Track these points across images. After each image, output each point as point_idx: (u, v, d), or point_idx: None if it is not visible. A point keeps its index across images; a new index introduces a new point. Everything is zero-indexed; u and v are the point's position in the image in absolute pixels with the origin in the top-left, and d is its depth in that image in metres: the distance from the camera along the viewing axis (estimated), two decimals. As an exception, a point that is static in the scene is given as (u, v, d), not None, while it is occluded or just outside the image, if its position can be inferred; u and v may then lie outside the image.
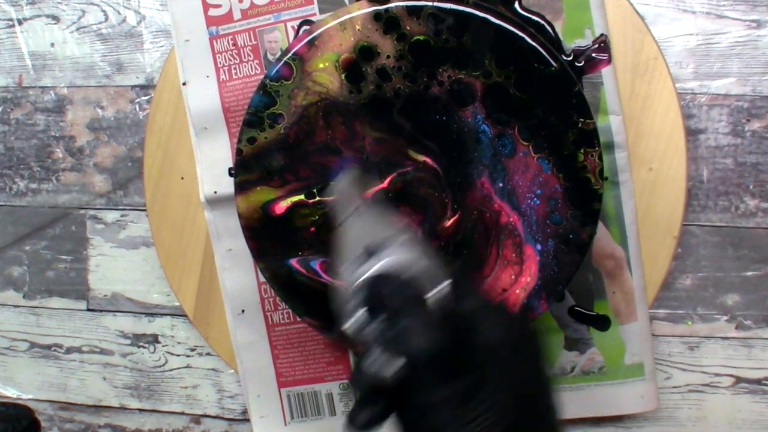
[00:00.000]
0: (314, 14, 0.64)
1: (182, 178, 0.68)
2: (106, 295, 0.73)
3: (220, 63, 0.65)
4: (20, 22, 0.72)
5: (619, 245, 0.63)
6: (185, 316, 0.70)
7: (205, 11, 0.65)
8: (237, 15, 0.65)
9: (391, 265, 0.44)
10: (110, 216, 0.72)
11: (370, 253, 0.44)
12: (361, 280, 0.44)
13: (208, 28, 0.65)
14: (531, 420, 0.40)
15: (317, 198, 0.57)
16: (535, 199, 0.55)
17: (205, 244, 0.68)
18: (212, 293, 0.68)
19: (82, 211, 0.73)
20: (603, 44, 0.60)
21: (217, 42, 0.65)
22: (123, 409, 0.75)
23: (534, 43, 0.54)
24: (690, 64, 0.64)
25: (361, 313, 0.43)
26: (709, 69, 0.63)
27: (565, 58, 0.60)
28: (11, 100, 0.73)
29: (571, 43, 0.61)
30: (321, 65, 0.56)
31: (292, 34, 0.64)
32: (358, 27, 0.55)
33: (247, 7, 0.64)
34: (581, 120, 0.54)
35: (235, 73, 0.65)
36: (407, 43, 0.55)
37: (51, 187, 0.73)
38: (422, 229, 0.57)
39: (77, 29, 0.71)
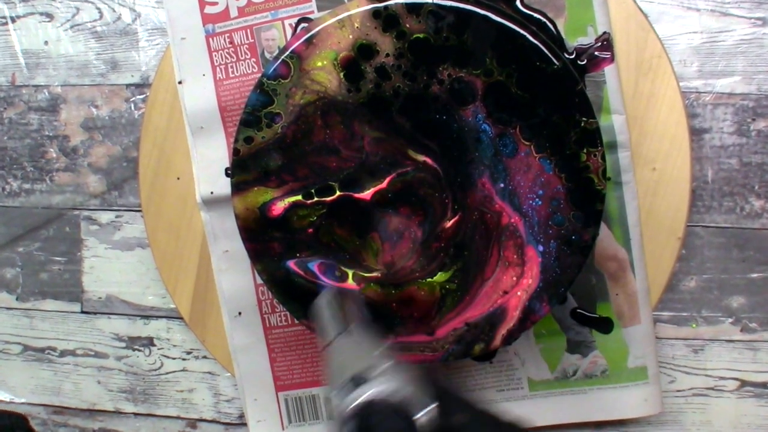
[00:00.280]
0: (312, 12, 0.64)
1: (178, 179, 0.68)
2: (100, 297, 0.73)
3: (216, 61, 0.65)
4: (13, 20, 0.72)
5: (622, 246, 0.63)
6: (181, 318, 0.70)
7: (201, 9, 0.65)
8: (234, 12, 0.64)
9: (377, 394, 0.45)
10: (105, 217, 0.72)
11: (357, 382, 0.46)
12: (349, 409, 0.45)
13: (204, 26, 0.65)
14: None
15: (315, 199, 0.57)
16: (537, 199, 0.55)
17: (202, 245, 0.68)
18: (208, 295, 0.68)
19: (77, 212, 0.73)
20: (606, 42, 0.60)
21: (213, 40, 0.65)
22: (118, 413, 0.74)
23: (536, 41, 0.54)
24: (694, 62, 0.64)
25: None
26: (714, 67, 0.63)
27: (567, 56, 0.60)
28: (4, 99, 0.73)
29: (573, 41, 0.61)
30: (319, 63, 0.56)
31: (289, 31, 0.64)
32: (356, 25, 0.55)
33: (243, 5, 0.64)
34: (584, 119, 0.54)
35: (232, 72, 0.65)
36: (407, 41, 0.55)
37: (45, 187, 0.73)
38: (422, 230, 0.57)
39: (71, 27, 0.71)
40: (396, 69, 0.55)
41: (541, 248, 0.55)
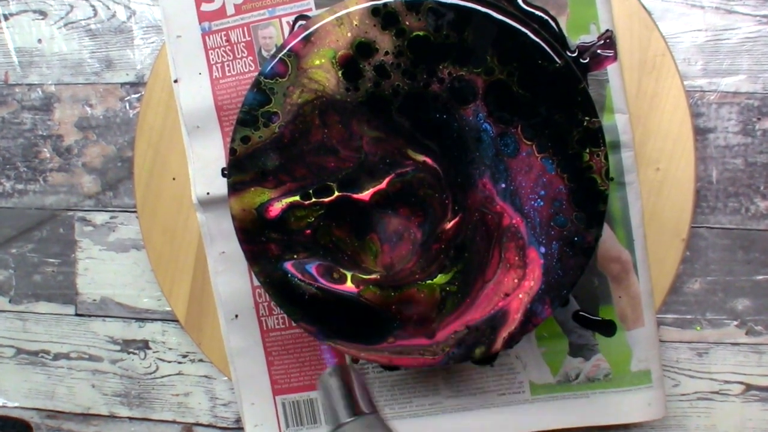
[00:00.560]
0: (310, 9, 0.64)
1: (174, 179, 0.68)
2: (94, 300, 0.73)
3: (212, 60, 0.65)
4: (6, 18, 0.72)
5: (626, 248, 0.62)
6: (177, 321, 0.70)
7: (198, 6, 0.65)
8: (230, 10, 0.64)
9: None
10: (99, 218, 0.72)
11: None
12: None
13: (200, 24, 0.65)
14: None
15: (313, 199, 0.57)
16: (539, 200, 0.55)
17: (198, 246, 0.68)
18: (205, 298, 0.68)
19: (70, 213, 0.73)
20: (609, 40, 0.60)
21: (209, 38, 0.65)
22: (112, 417, 0.74)
23: (537, 39, 0.54)
24: (699, 60, 0.63)
25: None
26: (719, 66, 0.63)
27: (569, 54, 0.60)
28: (-3, 97, 0.73)
29: (575, 39, 0.60)
30: (317, 62, 0.56)
31: (287, 29, 0.64)
32: (355, 22, 0.55)
33: (240, 2, 0.64)
34: (586, 118, 0.54)
35: (229, 70, 0.65)
36: (406, 39, 0.55)
37: (38, 188, 0.73)
38: (422, 231, 0.57)
39: (65, 25, 0.71)
40: (395, 67, 0.55)
41: (543, 250, 0.55)
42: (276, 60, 0.56)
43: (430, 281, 0.56)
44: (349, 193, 0.57)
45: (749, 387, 0.66)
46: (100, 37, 0.71)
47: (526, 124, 0.54)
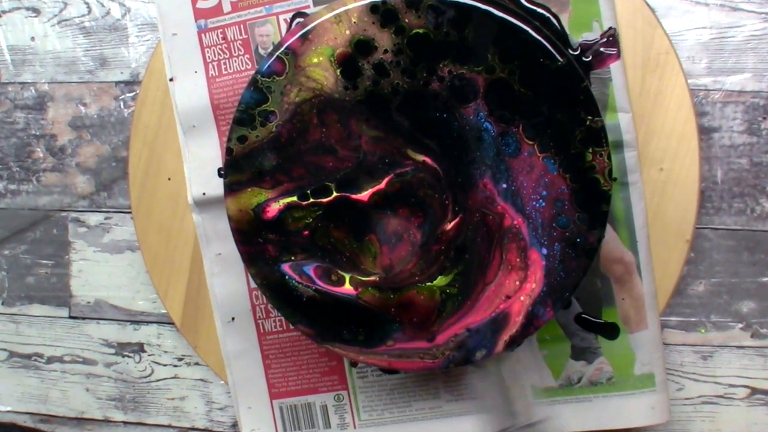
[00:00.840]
0: (308, 6, 0.63)
1: (169, 179, 0.67)
2: (89, 302, 0.73)
3: (208, 58, 0.65)
4: (-1, 15, 0.72)
5: (629, 249, 0.62)
6: (172, 323, 0.70)
7: (193, 3, 0.65)
8: (227, 7, 0.64)
9: None
10: (93, 219, 0.72)
11: None
12: None
13: (196, 21, 0.65)
14: None
15: (311, 200, 0.57)
16: (541, 200, 0.55)
17: (193, 248, 0.68)
18: (201, 300, 0.68)
19: (64, 214, 0.73)
20: (612, 38, 0.60)
21: (205, 36, 0.65)
22: (107, 421, 0.74)
23: (539, 37, 0.54)
24: (703, 59, 0.63)
25: None
26: (724, 64, 0.63)
27: (571, 52, 0.60)
28: (-11, 96, 0.73)
29: (578, 37, 0.60)
30: (315, 60, 0.56)
31: (284, 27, 0.64)
32: (354, 20, 0.55)
33: (237, -1, 0.64)
34: (589, 117, 0.54)
35: (225, 69, 0.65)
36: (406, 37, 0.55)
37: (31, 188, 0.73)
38: (422, 232, 0.57)
39: (59, 22, 0.71)
40: (395, 66, 0.55)
41: (544, 251, 0.55)
42: (273, 58, 0.56)
43: (430, 283, 0.56)
44: (347, 194, 0.57)
45: (754, 391, 0.66)
46: (95, 35, 0.70)
47: (528, 123, 0.54)
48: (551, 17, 0.60)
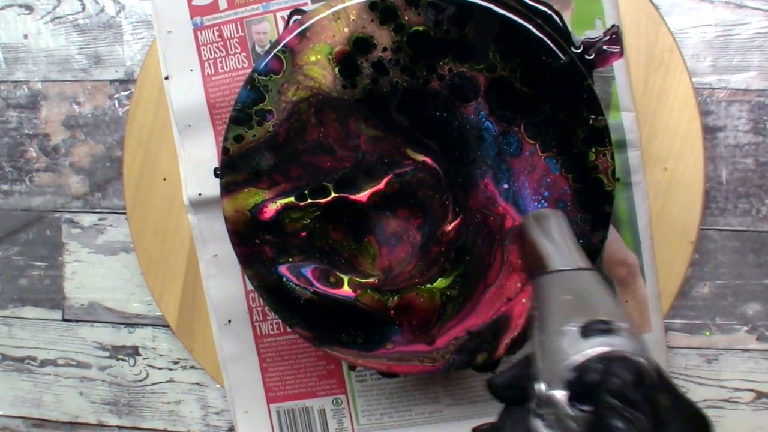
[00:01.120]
0: (306, 3, 0.63)
1: (164, 179, 0.67)
2: (82, 304, 0.73)
3: (204, 56, 0.65)
4: (-9, 12, 0.72)
5: (632, 251, 0.62)
6: (167, 326, 0.70)
7: (189, 1, 0.65)
8: (223, 5, 0.64)
9: (626, 349, 0.40)
10: (87, 219, 0.72)
11: (605, 329, 0.41)
12: (574, 359, 0.40)
13: (192, 19, 0.65)
14: None
15: (309, 200, 0.57)
16: (543, 201, 0.55)
17: (189, 249, 0.68)
18: (196, 302, 0.68)
19: (58, 215, 0.72)
20: (615, 36, 0.60)
21: (201, 33, 0.65)
22: (101, 426, 0.74)
23: (541, 35, 0.54)
24: (708, 57, 0.63)
25: (562, 392, 0.40)
26: (729, 62, 0.63)
27: (574, 50, 0.59)
28: (-19, 95, 0.73)
29: (580, 35, 0.60)
30: (313, 58, 0.55)
31: (281, 24, 0.64)
32: (352, 17, 0.55)
33: (233, -4, 0.64)
34: (592, 117, 0.54)
35: (221, 67, 0.65)
36: (405, 35, 0.55)
37: (24, 188, 0.73)
38: (421, 233, 0.57)
39: (52, 20, 0.71)
40: (394, 64, 0.55)
41: (546, 253, 0.55)
42: (270, 56, 0.56)
43: (429, 285, 0.56)
44: (346, 194, 0.57)
45: (760, 395, 0.66)
46: (89, 33, 0.70)
47: (530, 122, 0.54)
48: (553, 14, 0.60)
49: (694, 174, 0.62)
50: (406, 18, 0.54)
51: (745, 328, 0.65)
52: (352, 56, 0.55)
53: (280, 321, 0.66)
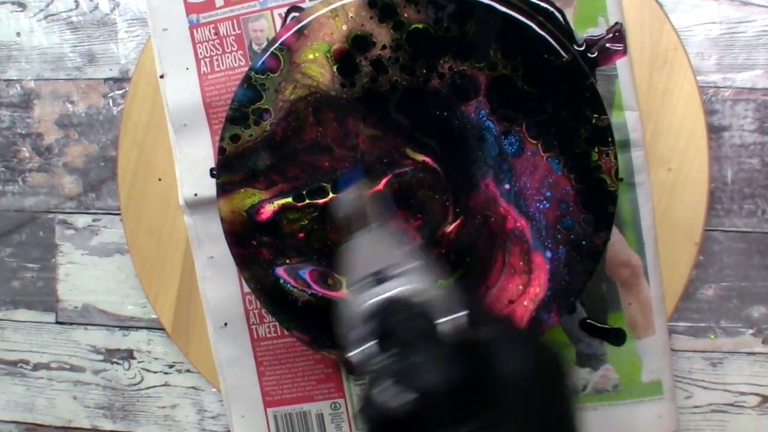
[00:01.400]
0: (303, 0, 0.63)
1: (160, 180, 0.67)
2: (76, 307, 0.73)
3: (200, 54, 0.65)
4: (-17, 10, 0.72)
5: (636, 252, 0.62)
6: (163, 329, 0.70)
7: (185, -2, 0.65)
8: (219, 2, 0.64)
9: (402, 292, 0.44)
10: (81, 220, 0.72)
11: (381, 278, 0.45)
12: (367, 305, 0.44)
13: (187, 16, 0.65)
14: None
15: (307, 201, 0.57)
16: (545, 202, 0.55)
17: (185, 251, 0.67)
18: (192, 305, 0.68)
19: (51, 216, 0.72)
20: (618, 33, 0.60)
21: (197, 31, 0.65)
22: (95, 430, 0.74)
23: (543, 33, 0.54)
24: (713, 55, 0.63)
25: (370, 345, 0.43)
26: (734, 60, 0.63)
27: (576, 48, 0.59)
28: (-27, 94, 0.73)
29: (583, 33, 0.60)
30: (311, 56, 0.55)
31: (279, 22, 0.64)
32: (351, 14, 0.55)
33: (230, -7, 0.64)
34: (595, 116, 0.54)
35: (218, 65, 0.65)
36: (405, 32, 0.55)
37: (17, 189, 0.73)
38: (421, 234, 0.57)
39: (45, 17, 0.71)
40: (393, 62, 0.55)
41: (549, 254, 0.55)
42: (267, 54, 0.56)
43: (429, 287, 0.56)
44: (344, 195, 0.57)
45: (766, 399, 0.66)
46: (82, 30, 0.70)
47: (531, 121, 0.54)
48: (555, 12, 0.60)
49: (698, 174, 0.62)
50: (406, 15, 0.54)
51: (751, 331, 0.65)
52: (350, 54, 0.55)
53: (277, 324, 0.66)
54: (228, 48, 0.64)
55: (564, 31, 0.59)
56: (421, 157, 0.56)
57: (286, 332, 0.65)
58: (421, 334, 0.42)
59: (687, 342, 0.66)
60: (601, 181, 0.54)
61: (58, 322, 0.73)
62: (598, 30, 0.60)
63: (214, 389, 0.70)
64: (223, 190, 0.57)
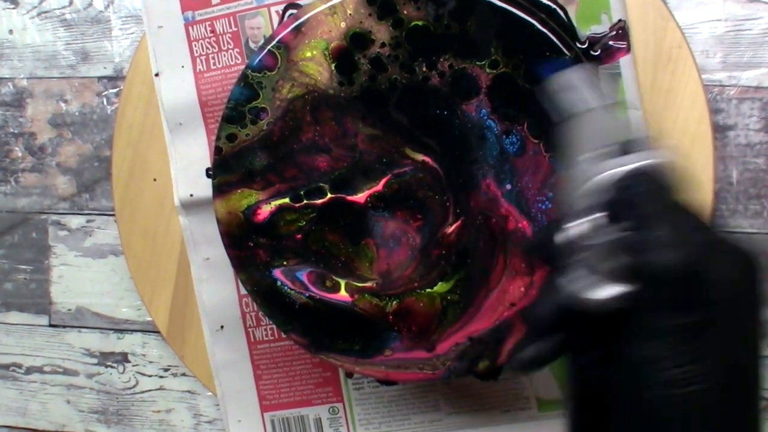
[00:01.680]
0: (301, -3, 0.63)
1: (155, 180, 0.67)
2: (70, 309, 0.73)
3: (196, 52, 0.65)
4: (-25, 7, 0.72)
5: (640, 254, 0.62)
6: (158, 332, 0.69)
7: (180, -6, 0.65)
8: (215, -2, 0.64)
9: (654, 165, 0.40)
10: (75, 221, 0.72)
11: (626, 149, 0.41)
12: (608, 174, 0.40)
13: (183, 13, 0.65)
14: (743, 384, 0.39)
15: (304, 201, 0.57)
16: (547, 202, 0.55)
17: (180, 252, 0.67)
18: (188, 307, 0.68)
19: (44, 216, 0.72)
20: (621, 31, 0.60)
21: (193, 28, 0.65)
22: (89, 435, 0.74)
23: (545, 30, 0.54)
24: (718, 53, 0.63)
25: (599, 216, 0.40)
26: (739, 58, 0.63)
27: (579, 46, 0.59)
28: (-35, 92, 0.73)
29: (586, 30, 0.60)
30: (308, 54, 0.55)
31: (276, 19, 0.64)
32: (349, 11, 0.55)
33: (226, -10, 0.64)
34: (598, 115, 0.54)
35: (214, 63, 0.65)
36: (404, 30, 0.55)
37: (9, 189, 0.73)
38: (421, 235, 0.57)
39: (38, 14, 0.71)
40: (392, 60, 0.55)
41: (551, 256, 0.55)
42: (264, 52, 0.56)
43: (429, 290, 0.56)
44: (342, 195, 0.56)
45: (772, 403, 0.65)
46: (76, 28, 0.70)
47: (533, 120, 0.54)
48: (558, 9, 0.60)
49: (703, 174, 0.62)
50: (405, 12, 0.54)
51: (757, 334, 0.65)
52: (349, 52, 0.55)
53: (274, 327, 0.66)
54: (224, 46, 0.64)
55: (566, 29, 0.59)
56: (420, 157, 0.56)
57: (283, 335, 0.65)
58: (671, 207, 0.39)
59: (692, 345, 0.66)
60: (605, 181, 0.54)
61: (51, 325, 0.73)
62: (601, 27, 0.60)
63: (210, 393, 0.70)
64: (219, 190, 0.57)
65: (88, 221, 0.71)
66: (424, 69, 0.55)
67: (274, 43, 0.56)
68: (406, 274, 0.57)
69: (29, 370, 0.74)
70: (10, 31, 0.71)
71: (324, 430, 0.68)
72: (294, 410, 0.68)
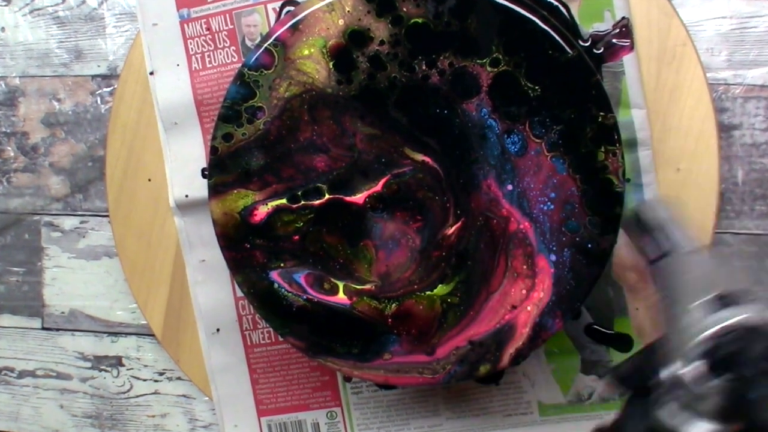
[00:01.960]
0: (298, -6, 0.63)
1: (149, 180, 0.67)
2: (63, 312, 0.73)
3: (192, 50, 0.65)
4: (-34, 4, 0.72)
5: (643, 255, 0.62)
6: (153, 335, 0.69)
7: (176, -9, 0.65)
8: (211, -5, 0.64)
9: (756, 321, 0.43)
10: (68, 222, 0.72)
11: (725, 302, 0.44)
12: (712, 329, 0.43)
13: (178, 11, 0.65)
14: None
15: (302, 202, 0.56)
16: (549, 203, 0.55)
17: (175, 254, 0.67)
18: (183, 310, 0.68)
19: (37, 217, 0.72)
20: (624, 28, 0.60)
21: (188, 26, 0.65)
22: (82, 440, 0.74)
23: (547, 27, 0.54)
24: (723, 51, 0.63)
25: (699, 364, 0.42)
26: (745, 56, 0.63)
27: (582, 44, 0.59)
28: (-44, 91, 0.73)
29: (588, 28, 0.60)
30: (306, 52, 0.55)
31: (273, 16, 0.64)
32: (348, 8, 0.55)
33: (222, -13, 0.64)
34: (601, 114, 0.54)
35: (209, 62, 0.65)
36: (404, 27, 0.55)
37: (1, 190, 0.73)
38: (421, 237, 0.57)
39: (30, 12, 0.71)
40: (392, 58, 0.55)
41: (553, 258, 0.55)
42: (261, 50, 0.56)
43: (429, 292, 0.56)
44: (341, 196, 0.56)
45: (778, 407, 0.65)
46: (69, 26, 0.70)
47: (535, 120, 0.54)
48: (560, 6, 0.60)
49: (708, 174, 0.62)
50: (405, 9, 0.54)
51: (762, 337, 0.65)
52: (347, 50, 0.55)
53: (271, 330, 0.66)
54: (220, 44, 0.64)
55: (569, 27, 0.59)
56: (420, 157, 0.56)
57: (280, 338, 0.65)
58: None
59: (696, 348, 0.66)
60: (608, 181, 0.54)
61: (44, 328, 0.73)
62: (604, 25, 0.60)
63: (206, 397, 0.70)
64: (215, 191, 0.57)
65: (81, 222, 0.71)
66: (424, 67, 0.55)
67: (271, 41, 0.56)
68: (405, 276, 0.57)
69: (22, 374, 0.74)
70: (2, 29, 0.71)
71: (322, 434, 0.68)
72: (291, 415, 0.68)
